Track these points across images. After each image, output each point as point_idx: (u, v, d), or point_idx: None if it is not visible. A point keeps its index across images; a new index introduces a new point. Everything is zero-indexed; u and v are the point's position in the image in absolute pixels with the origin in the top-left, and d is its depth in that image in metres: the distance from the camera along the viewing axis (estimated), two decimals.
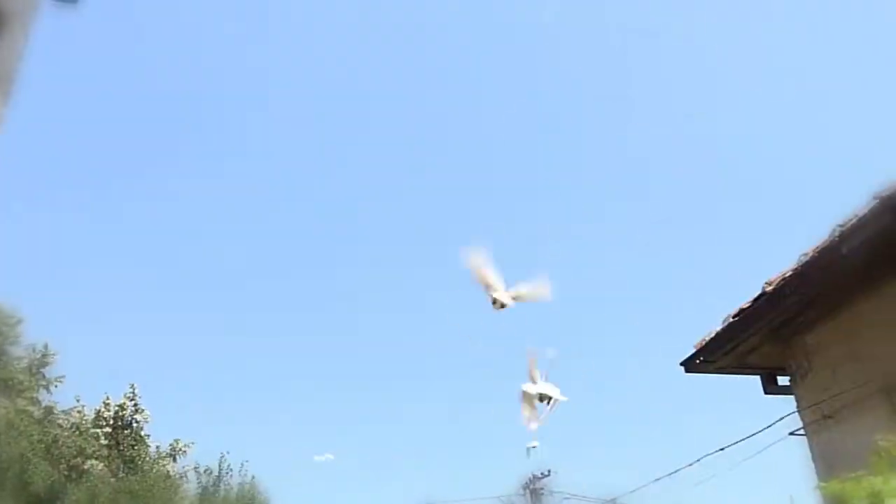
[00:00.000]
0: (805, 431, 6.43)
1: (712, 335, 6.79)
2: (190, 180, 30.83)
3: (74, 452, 17.25)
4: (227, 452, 20.03)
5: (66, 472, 16.81)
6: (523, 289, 3.94)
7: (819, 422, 6.19)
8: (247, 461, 20.05)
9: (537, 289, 3.97)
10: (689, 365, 7.10)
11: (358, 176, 32.83)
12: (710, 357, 6.93)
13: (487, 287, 3.91)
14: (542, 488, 21.06)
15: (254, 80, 31.51)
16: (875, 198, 5.13)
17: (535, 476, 20.95)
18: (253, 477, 20.07)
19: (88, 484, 16.83)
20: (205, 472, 19.86)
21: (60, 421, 17.83)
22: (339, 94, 32.00)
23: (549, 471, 20.92)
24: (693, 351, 7.01)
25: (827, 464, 6.05)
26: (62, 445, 17.06)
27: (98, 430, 18.68)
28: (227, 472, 20.09)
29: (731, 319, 6.58)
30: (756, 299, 6.31)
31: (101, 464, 17.87)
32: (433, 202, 33.46)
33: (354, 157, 33.20)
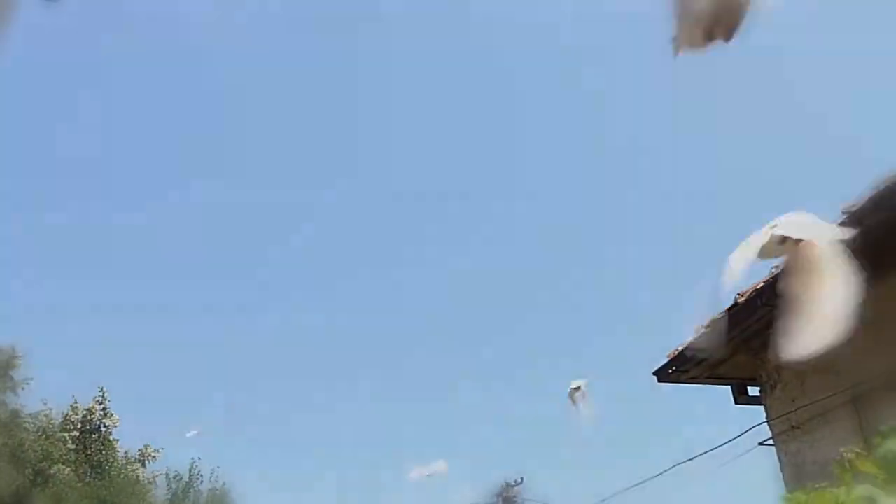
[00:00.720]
0: (774, 442, 6.49)
1: (685, 345, 6.84)
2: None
3: (41, 457, 16.96)
4: (199, 458, 19.84)
5: (31, 477, 16.52)
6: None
7: (787, 432, 6.26)
8: (218, 467, 19.88)
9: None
10: (662, 375, 7.15)
11: None
12: (682, 367, 6.98)
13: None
14: (514, 496, 21.07)
15: None
16: (843, 212, 5.21)
17: (507, 484, 20.95)
18: (224, 483, 19.90)
19: (54, 489, 16.54)
20: (174, 478, 19.65)
21: (27, 425, 17.52)
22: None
23: (521, 478, 20.94)
24: (665, 361, 7.06)
25: (795, 474, 6.12)
26: (28, 449, 16.76)
27: (65, 435, 18.39)
28: (197, 479, 19.88)
29: (703, 330, 6.63)
30: (728, 310, 6.37)
31: (68, 468, 17.58)
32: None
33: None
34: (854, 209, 5.15)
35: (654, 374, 7.20)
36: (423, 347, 28.27)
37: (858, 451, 4.06)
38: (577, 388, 5.02)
